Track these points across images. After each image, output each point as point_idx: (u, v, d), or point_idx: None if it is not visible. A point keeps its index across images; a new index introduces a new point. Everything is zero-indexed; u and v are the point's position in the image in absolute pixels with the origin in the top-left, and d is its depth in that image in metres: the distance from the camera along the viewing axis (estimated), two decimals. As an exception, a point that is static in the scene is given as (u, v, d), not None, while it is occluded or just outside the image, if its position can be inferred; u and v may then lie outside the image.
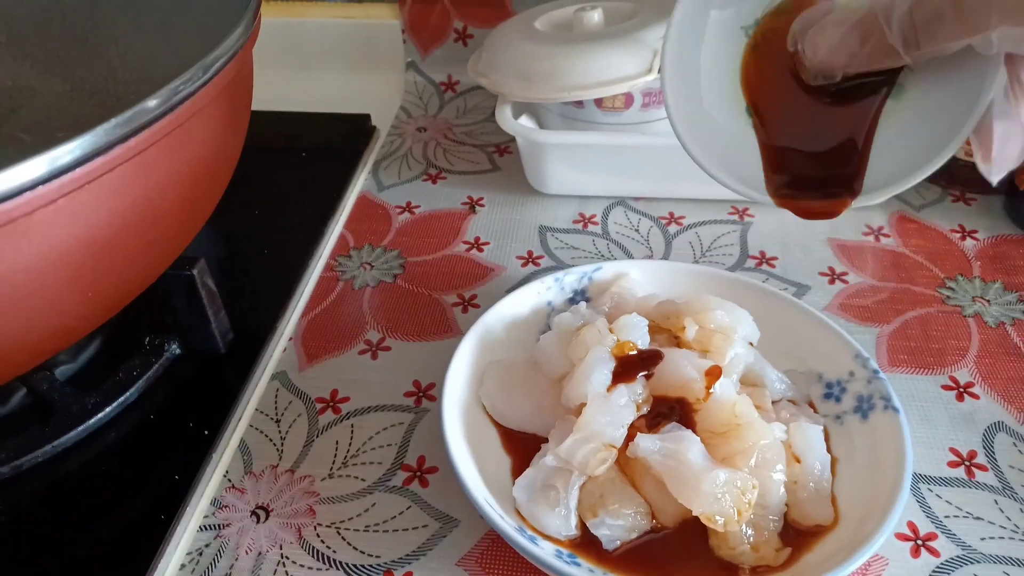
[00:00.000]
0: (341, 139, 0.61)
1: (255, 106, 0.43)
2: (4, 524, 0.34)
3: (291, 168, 0.58)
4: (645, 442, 0.31)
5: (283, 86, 0.65)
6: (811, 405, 0.37)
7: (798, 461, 0.33)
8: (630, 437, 0.32)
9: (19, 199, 0.24)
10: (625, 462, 0.32)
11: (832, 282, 0.47)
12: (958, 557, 0.33)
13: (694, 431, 0.32)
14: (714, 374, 0.34)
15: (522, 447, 0.36)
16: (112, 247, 0.29)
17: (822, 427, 0.34)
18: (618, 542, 0.31)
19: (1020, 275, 0.47)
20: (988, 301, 0.45)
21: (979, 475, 0.36)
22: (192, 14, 0.45)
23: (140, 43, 0.49)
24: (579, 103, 0.51)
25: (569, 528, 0.31)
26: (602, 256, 0.49)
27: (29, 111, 0.49)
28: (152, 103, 0.29)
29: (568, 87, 0.49)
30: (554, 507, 0.31)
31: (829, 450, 0.34)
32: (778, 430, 0.33)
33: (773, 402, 0.36)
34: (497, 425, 0.37)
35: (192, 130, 0.31)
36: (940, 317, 0.44)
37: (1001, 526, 0.34)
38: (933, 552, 0.33)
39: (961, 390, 0.40)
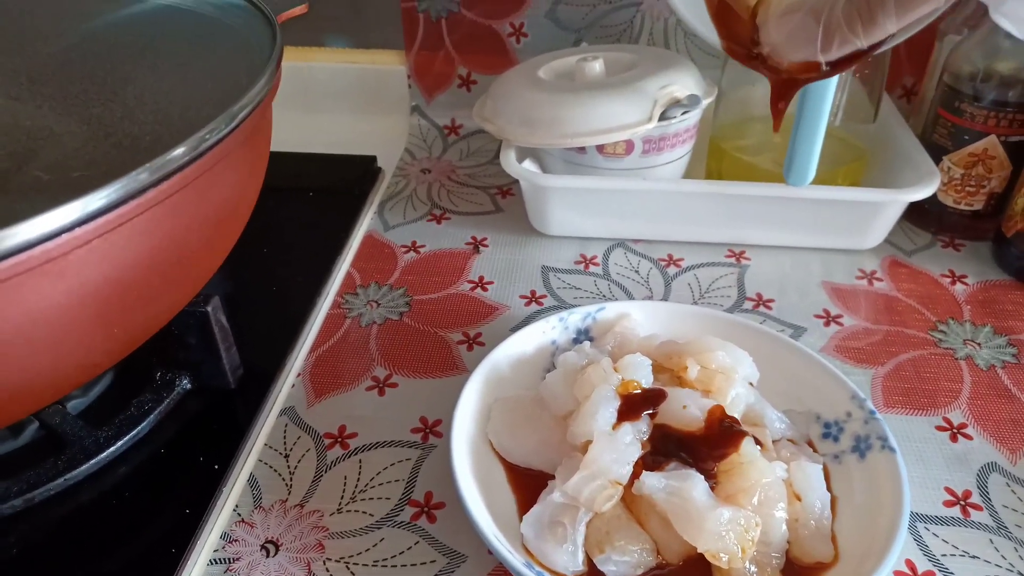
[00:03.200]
0: (348, 180, 0.62)
1: (266, 147, 0.45)
2: (16, 557, 0.34)
3: (299, 208, 0.59)
4: (651, 480, 0.32)
5: (292, 128, 0.66)
6: (810, 444, 0.38)
7: (799, 499, 0.34)
8: (635, 474, 0.33)
9: (58, 240, 0.25)
10: (631, 499, 0.33)
11: (827, 324, 0.48)
12: (956, 595, 0.34)
13: (698, 466, 0.33)
14: (716, 413, 0.35)
15: (528, 484, 0.36)
16: (139, 286, 0.30)
17: (822, 466, 0.35)
18: None
19: (1009, 319, 0.49)
20: (979, 344, 0.47)
21: (974, 515, 0.37)
22: (208, 59, 0.47)
23: (157, 85, 0.50)
24: (581, 149, 0.52)
25: (576, 564, 0.32)
26: (603, 296, 0.51)
27: (48, 152, 0.51)
28: (182, 150, 0.30)
29: (571, 134, 0.50)
30: (561, 543, 0.32)
31: (829, 489, 0.35)
32: (779, 469, 0.34)
33: (773, 441, 0.37)
34: (503, 462, 0.37)
35: (218, 175, 0.33)
36: (933, 359, 0.46)
37: (997, 565, 0.35)
38: (931, 590, 0.34)
39: (955, 431, 0.41)
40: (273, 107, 0.49)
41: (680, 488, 0.32)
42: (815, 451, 0.38)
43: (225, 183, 0.34)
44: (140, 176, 0.29)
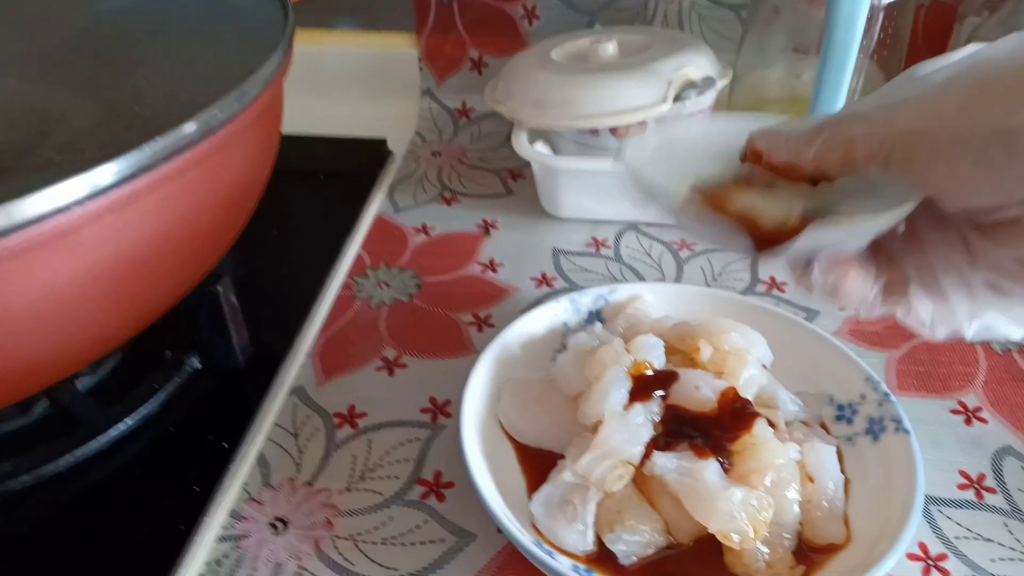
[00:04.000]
0: (358, 163, 0.62)
1: (277, 129, 0.45)
2: (25, 533, 0.35)
3: (310, 190, 0.59)
4: (662, 460, 0.32)
5: (303, 111, 0.66)
6: (823, 426, 0.38)
7: (812, 481, 0.34)
8: (647, 455, 0.33)
9: (69, 214, 0.25)
10: (642, 479, 0.33)
11: (841, 308, 0.48)
12: (969, 578, 0.33)
13: (712, 447, 0.33)
14: (729, 395, 0.34)
15: (538, 464, 0.36)
16: (151, 263, 0.30)
17: (835, 448, 0.35)
18: (634, 558, 0.32)
19: (1026, 304, 0.48)
20: (995, 329, 0.46)
21: (988, 497, 0.36)
22: (220, 40, 0.47)
23: (168, 67, 0.50)
24: (594, 131, 0.52)
25: (586, 543, 0.32)
26: (614, 279, 0.50)
27: (59, 133, 0.51)
28: (192, 125, 0.30)
29: (584, 115, 0.50)
30: (571, 522, 0.32)
31: (842, 471, 0.35)
32: (792, 450, 0.33)
33: (786, 423, 0.37)
34: (513, 442, 0.37)
35: (230, 154, 0.32)
36: (948, 343, 0.45)
37: (1011, 548, 0.34)
38: (944, 572, 0.33)
39: (969, 414, 0.41)
40: (285, 90, 0.49)
41: (692, 469, 0.31)
42: (828, 433, 0.37)
43: (237, 162, 0.34)
44: (150, 150, 0.29)
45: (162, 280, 0.32)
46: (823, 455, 0.34)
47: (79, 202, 0.25)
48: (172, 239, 0.30)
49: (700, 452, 0.32)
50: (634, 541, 0.31)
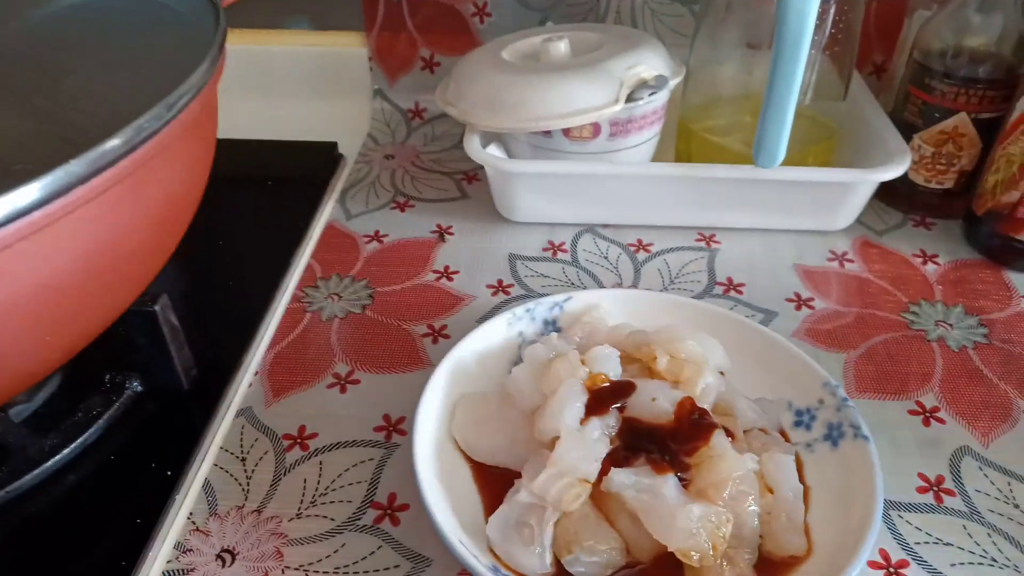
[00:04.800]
0: (308, 167, 0.60)
1: (221, 134, 0.43)
2: (-46, 575, 0.33)
3: (257, 197, 0.57)
4: (619, 477, 0.31)
5: (248, 114, 0.64)
6: (782, 433, 0.38)
7: (771, 492, 0.33)
8: (604, 471, 0.32)
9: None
10: (600, 497, 0.32)
11: (799, 308, 0.48)
12: (930, 584, 0.33)
13: (670, 461, 0.32)
14: (686, 405, 0.34)
15: (495, 482, 0.35)
16: (72, 291, 0.28)
17: (794, 456, 0.35)
18: None
19: (980, 299, 0.48)
20: (950, 325, 0.46)
21: (947, 500, 0.36)
22: (156, 46, 0.45)
23: (104, 75, 0.48)
24: (547, 133, 0.51)
25: (544, 566, 0.31)
26: (572, 284, 0.49)
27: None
28: (114, 143, 0.28)
29: (536, 117, 0.49)
30: (528, 545, 0.31)
31: (802, 479, 0.35)
32: (750, 461, 0.33)
33: (744, 431, 0.36)
34: (469, 460, 0.36)
35: (156, 170, 0.31)
36: (905, 342, 0.45)
37: (970, 551, 0.34)
38: (905, 580, 0.33)
39: (927, 415, 0.41)
40: (229, 92, 0.47)
41: (650, 485, 0.31)
42: (787, 440, 0.37)
43: (165, 178, 0.32)
44: (68, 171, 0.27)
45: (86, 307, 0.30)
46: (782, 465, 0.34)
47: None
48: (94, 264, 0.29)
49: (658, 467, 0.32)
50: (593, 562, 0.31)
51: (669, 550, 0.30)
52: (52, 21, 0.48)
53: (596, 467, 0.32)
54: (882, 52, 0.64)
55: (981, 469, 0.38)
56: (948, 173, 0.53)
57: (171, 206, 0.34)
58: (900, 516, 0.36)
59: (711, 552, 0.30)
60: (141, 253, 0.32)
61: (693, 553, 0.29)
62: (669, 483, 0.31)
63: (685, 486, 0.32)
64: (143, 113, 0.31)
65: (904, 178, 0.52)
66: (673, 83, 0.51)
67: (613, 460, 0.32)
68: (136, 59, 0.46)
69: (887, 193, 0.55)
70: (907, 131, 0.53)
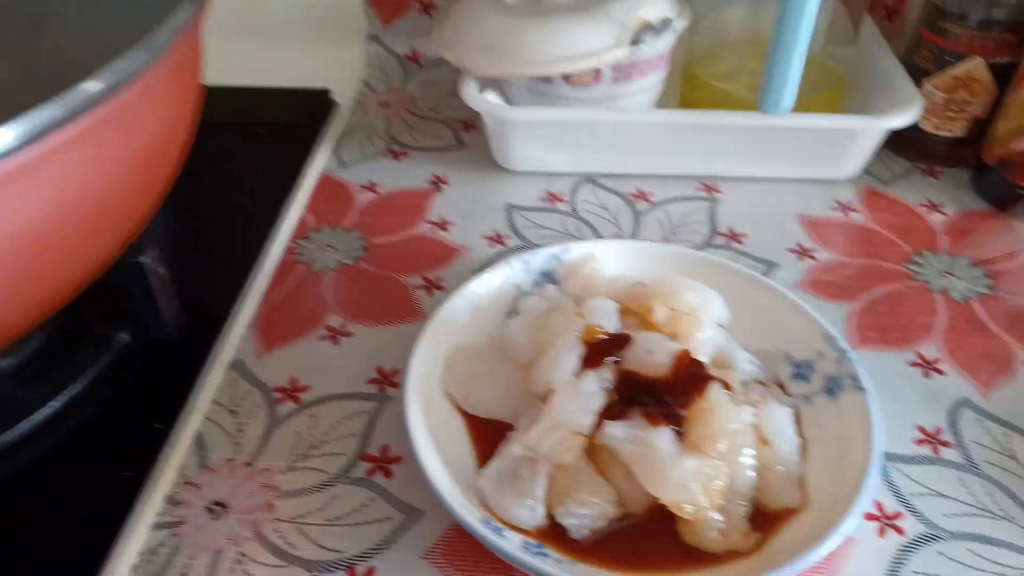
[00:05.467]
0: (300, 115, 0.58)
1: (209, 81, 0.41)
2: (-55, 526, 0.33)
3: (248, 146, 0.56)
4: (613, 430, 0.31)
5: (238, 59, 0.62)
6: (780, 386, 0.37)
7: (767, 444, 0.33)
8: (599, 425, 0.31)
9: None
10: (593, 450, 0.31)
11: (801, 258, 0.47)
12: (923, 535, 0.33)
13: (665, 414, 0.32)
14: (683, 358, 0.33)
15: (489, 435, 0.35)
16: (54, 240, 0.27)
17: (792, 409, 0.34)
18: (586, 531, 0.30)
19: (986, 250, 0.47)
20: (955, 276, 0.45)
21: (944, 452, 0.36)
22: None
23: (87, 17, 0.46)
24: (547, 78, 0.49)
25: (537, 518, 0.31)
26: (570, 235, 0.48)
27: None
28: (92, 85, 0.27)
29: (535, 62, 0.47)
30: (521, 497, 0.31)
31: (801, 432, 0.34)
32: (747, 413, 0.32)
33: (743, 383, 0.35)
34: (463, 413, 0.36)
35: (137, 113, 0.29)
36: (908, 293, 0.44)
37: (965, 503, 0.34)
38: (899, 531, 0.33)
39: (927, 367, 0.40)
40: (218, 37, 0.45)
41: (644, 438, 0.30)
42: (786, 393, 0.37)
43: (147, 123, 0.31)
44: (43, 114, 0.26)
45: (68, 259, 0.29)
46: (779, 417, 0.33)
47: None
48: (74, 213, 0.28)
49: (653, 419, 0.31)
50: (585, 514, 0.30)
51: (662, 503, 0.30)
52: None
53: (591, 420, 0.31)
54: (895, -7, 0.62)
55: (979, 421, 0.37)
56: (959, 120, 0.52)
57: (154, 152, 0.32)
58: (897, 468, 0.35)
59: (705, 505, 0.29)
60: (124, 201, 0.31)
61: (686, 506, 0.29)
62: (663, 436, 0.30)
63: (680, 439, 0.31)
64: (124, 53, 0.29)
65: (913, 126, 0.50)
66: (678, 26, 0.49)
67: (608, 413, 0.32)
68: (119, 6, 0.44)
69: (894, 141, 0.53)
70: (918, 76, 0.51)
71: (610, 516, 0.31)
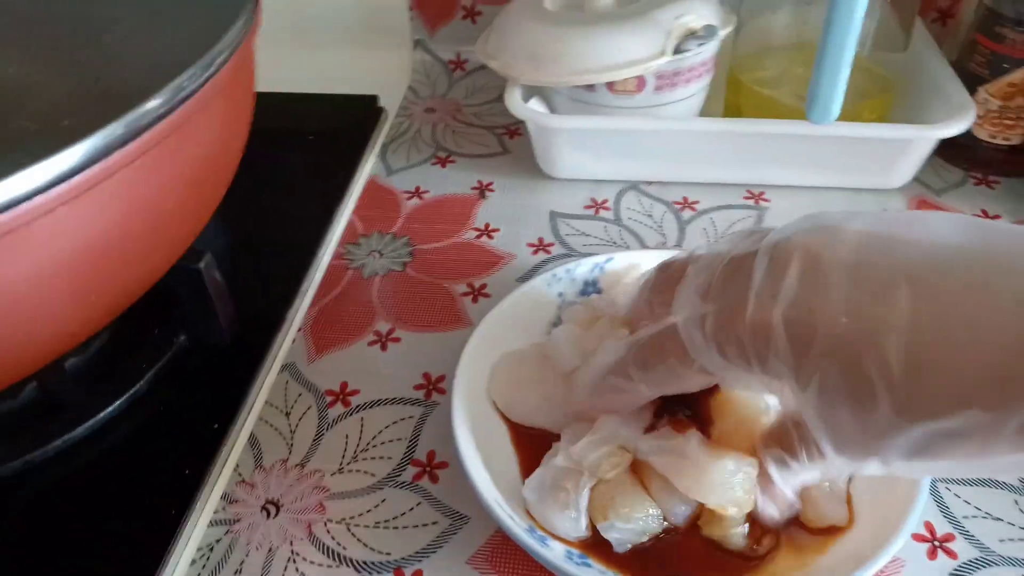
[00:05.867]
0: (349, 121, 0.60)
1: (260, 87, 0.43)
2: (15, 519, 0.34)
3: (298, 152, 0.57)
4: (642, 445, 0.31)
5: (289, 67, 0.64)
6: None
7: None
8: (644, 438, 0.31)
9: (16, 210, 0.23)
10: (636, 464, 0.32)
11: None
12: (976, 559, 0.32)
13: (691, 417, 0.32)
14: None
15: (533, 443, 0.35)
16: (112, 253, 0.28)
17: None
18: (628, 545, 0.31)
19: (1043, 262, 0.46)
20: (1009, 289, 0.44)
21: (998, 472, 0.35)
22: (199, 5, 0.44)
23: (144, 25, 0.48)
24: (590, 86, 0.49)
25: (579, 530, 0.31)
26: (614, 243, 0.49)
27: (34, 101, 0.49)
28: (153, 103, 0.28)
29: (579, 71, 0.47)
30: (564, 509, 0.31)
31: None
32: (772, 399, 0.32)
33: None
34: (507, 421, 0.36)
35: (193, 129, 0.31)
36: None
37: (1021, 527, 0.33)
38: (950, 554, 0.33)
39: (980, 383, 0.39)
40: (267, 45, 0.47)
41: (673, 446, 0.30)
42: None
43: (203, 138, 0.32)
44: (106, 135, 0.27)
45: (126, 269, 0.30)
46: None
47: (26, 197, 0.23)
48: (133, 226, 0.29)
49: (678, 426, 0.31)
50: (628, 529, 0.31)
51: (707, 507, 0.30)
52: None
53: (637, 436, 0.32)
54: (949, -3, 0.61)
55: (1035, 440, 0.37)
56: (1016, 128, 0.50)
57: (210, 165, 0.34)
58: (948, 489, 0.35)
59: (747, 503, 0.29)
60: (180, 213, 0.32)
61: (731, 507, 0.29)
62: (692, 440, 0.30)
63: (708, 439, 0.31)
64: (181, 71, 0.31)
65: (967, 133, 0.49)
66: (723, 33, 0.49)
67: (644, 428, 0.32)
68: (175, 11, 0.45)
69: (947, 149, 0.52)
70: (972, 83, 0.50)
71: (654, 531, 0.31)
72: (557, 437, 0.34)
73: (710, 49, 0.49)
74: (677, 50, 0.47)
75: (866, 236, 0.24)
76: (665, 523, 0.31)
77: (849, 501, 0.32)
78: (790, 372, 0.24)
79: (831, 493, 0.32)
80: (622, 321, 0.36)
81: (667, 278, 0.31)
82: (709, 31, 0.48)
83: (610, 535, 0.31)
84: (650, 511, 0.31)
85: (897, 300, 0.22)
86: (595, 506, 0.31)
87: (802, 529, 0.32)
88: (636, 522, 0.31)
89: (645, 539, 0.31)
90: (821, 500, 0.32)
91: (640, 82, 0.49)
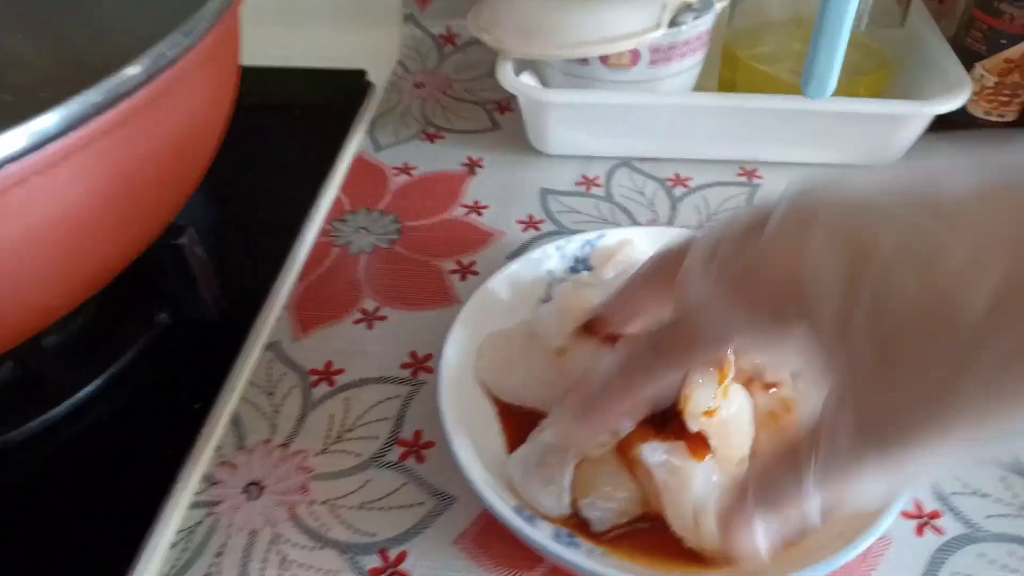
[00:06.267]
0: (336, 96, 0.58)
1: (245, 62, 0.41)
2: (-7, 500, 0.34)
3: (284, 127, 0.56)
4: (650, 454, 0.30)
5: (275, 40, 0.62)
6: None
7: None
8: (641, 435, 0.31)
9: (-17, 178, 0.22)
10: (623, 446, 0.31)
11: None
12: (963, 535, 0.32)
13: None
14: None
15: (520, 421, 0.35)
16: (91, 225, 0.27)
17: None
18: (608, 525, 0.30)
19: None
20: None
21: (989, 451, 0.35)
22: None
23: (131, 6, 0.46)
24: (583, 60, 0.48)
25: (562, 507, 0.31)
26: (605, 220, 0.48)
27: (15, 74, 0.48)
28: (131, 71, 0.27)
29: (572, 44, 0.46)
30: (547, 485, 0.31)
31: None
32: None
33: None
34: (496, 399, 0.36)
35: (175, 98, 0.30)
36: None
37: (1008, 503, 0.33)
38: (938, 531, 0.32)
39: (973, 362, 0.39)
40: (254, 18, 0.45)
41: (680, 468, 0.29)
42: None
43: (183, 109, 0.31)
44: (82, 102, 0.26)
45: (106, 242, 0.29)
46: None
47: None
48: (112, 198, 0.28)
49: (696, 450, 0.30)
50: (609, 508, 0.30)
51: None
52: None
53: (630, 423, 0.31)
54: (947, -28, 0.60)
55: (1027, 420, 0.36)
56: (1011, 105, 0.50)
57: (191, 136, 0.33)
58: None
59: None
60: (161, 185, 0.31)
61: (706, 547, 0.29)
62: (699, 475, 0.29)
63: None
64: (162, 38, 0.30)
65: (962, 110, 0.49)
66: (719, 6, 0.48)
67: (652, 424, 0.31)
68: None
69: (942, 125, 0.52)
70: (969, 59, 0.49)
71: (633, 513, 0.31)
72: (545, 415, 0.34)
73: (706, 23, 0.48)
74: (672, 23, 0.46)
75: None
76: (645, 507, 0.31)
77: None
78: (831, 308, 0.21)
79: None
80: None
81: (663, 268, 0.30)
82: (705, 4, 0.47)
83: (591, 513, 0.30)
84: (631, 493, 0.30)
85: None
86: (578, 484, 0.31)
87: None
88: (617, 502, 0.30)
89: (624, 520, 0.30)
90: None
91: (634, 55, 0.48)
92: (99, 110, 0.27)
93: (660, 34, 0.46)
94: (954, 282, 0.19)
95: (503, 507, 0.29)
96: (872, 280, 0.20)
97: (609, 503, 0.30)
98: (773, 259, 0.22)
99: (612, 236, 0.41)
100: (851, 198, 0.21)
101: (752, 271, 0.23)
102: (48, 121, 0.25)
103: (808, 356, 0.22)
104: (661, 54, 0.48)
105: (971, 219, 0.19)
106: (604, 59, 0.48)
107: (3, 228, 0.24)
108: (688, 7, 0.46)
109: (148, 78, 0.29)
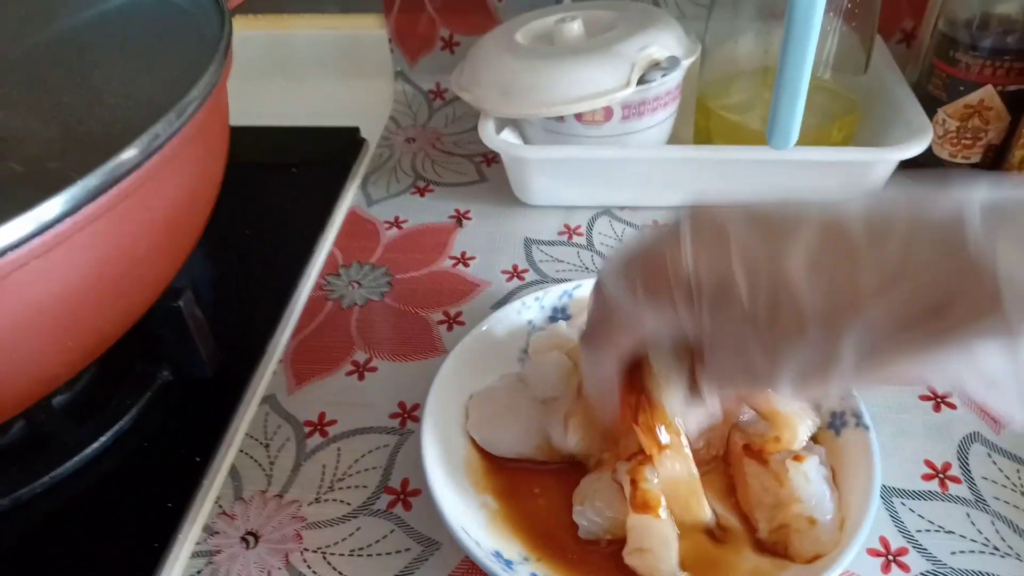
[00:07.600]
0: (330, 153, 0.61)
1: (242, 121, 0.44)
2: (4, 555, 0.35)
3: (280, 184, 0.59)
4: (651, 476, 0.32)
5: (270, 99, 0.66)
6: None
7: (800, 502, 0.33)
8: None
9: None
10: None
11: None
12: (928, 572, 0.33)
13: None
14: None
15: (511, 473, 0.37)
16: (89, 299, 0.29)
17: (817, 458, 0.34)
18: (592, 536, 0.33)
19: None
20: (969, 306, 0.45)
21: (953, 488, 0.37)
22: (172, 43, 0.46)
23: (124, 70, 0.49)
24: (560, 117, 0.51)
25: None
26: (586, 268, 0.50)
27: (23, 145, 0.50)
28: (126, 156, 0.29)
29: (548, 102, 0.49)
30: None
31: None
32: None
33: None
34: (483, 453, 0.37)
35: (167, 176, 0.32)
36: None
37: (972, 539, 0.35)
38: (904, 567, 0.34)
39: (938, 400, 0.40)
40: (251, 78, 0.48)
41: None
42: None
43: (174, 185, 0.33)
44: (78, 189, 0.28)
45: (103, 312, 0.32)
46: (808, 471, 0.33)
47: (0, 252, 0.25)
48: (107, 273, 0.30)
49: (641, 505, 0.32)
50: (596, 521, 0.33)
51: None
52: (77, 25, 0.50)
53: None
54: (912, 17, 0.62)
55: (990, 456, 0.38)
56: (974, 147, 0.52)
57: (183, 209, 0.35)
58: (903, 504, 0.36)
59: None
60: (154, 257, 0.34)
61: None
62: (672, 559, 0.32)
63: None
64: (157, 117, 0.32)
65: (928, 152, 0.51)
66: (686, 63, 0.51)
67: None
68: (152, 56, 0.47)
69: (911, 168, 0.54)
70: (932, 105, 0.52)
71: (616, 534, 0.33)
72: (536, 463, 0.36)
73: (674, 79, 0.51)
74: (641, 80, 0.49)
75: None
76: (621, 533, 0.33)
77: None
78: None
79: (832, 525, 0.32)
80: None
81: (653, 266, 0.30)
82: (672, 62, 0.49)
83: (580, 520, 0.33)
84: (619, 516, 0.32)
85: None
86: (579, 493, 0.34)
87: (759, 543, 0.33)
88: (606, 520, 0.33)
89: (607, 538, 0.33)
90: (824, 533, 0.32)
91: (607, 112, 0.50)
92: (96, 194, 0.29)
93: (630, 92, 0.48)
94: (754, 278, 0.27)
95: (480, 553, 0.31)
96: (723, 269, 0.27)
97: (596, 518, 0.33)
98: (661, 256, 0.28)
99: (588, 286, 0.43)
100: (717, 214, 0.29)
101: (648, 265, 0.29)
102: (49, 211, 0.27)
103: (685, 326, 0.28)
104: (632, 110, 0.50)
105: (779, 232, 0.27)
106: (579, 116, 0.51)
107: (4, 306, 0.26)
108: (656, 65, 0.49)
109: (143, 159, 0.31)
